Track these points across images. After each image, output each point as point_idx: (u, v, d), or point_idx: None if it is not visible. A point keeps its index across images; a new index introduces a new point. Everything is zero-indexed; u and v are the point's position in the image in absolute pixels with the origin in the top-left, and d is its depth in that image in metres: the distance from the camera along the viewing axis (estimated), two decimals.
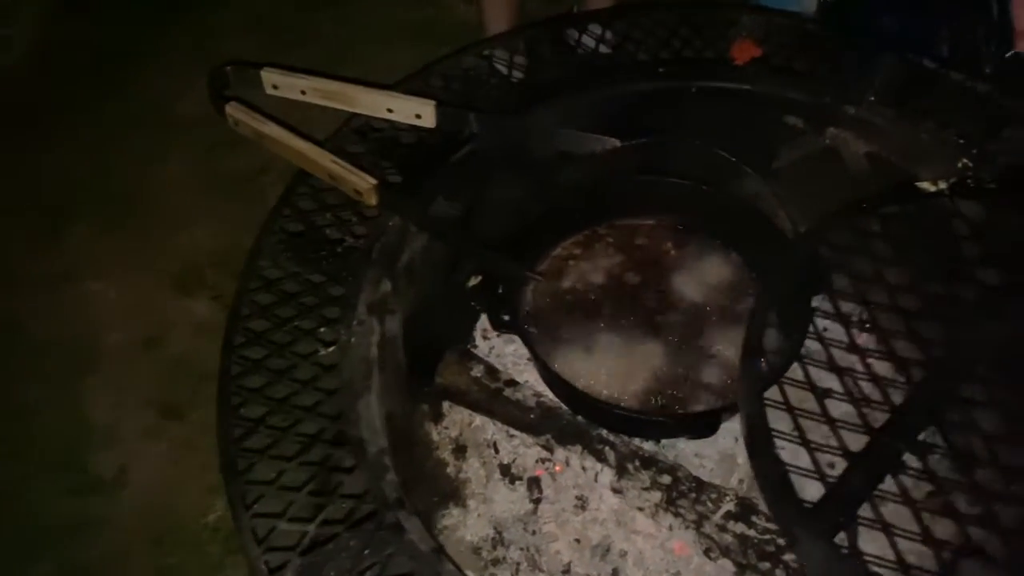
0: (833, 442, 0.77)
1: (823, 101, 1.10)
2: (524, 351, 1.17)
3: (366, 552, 0.74)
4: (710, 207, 1.14)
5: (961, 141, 1.02)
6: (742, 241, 1.15)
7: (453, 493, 1.13)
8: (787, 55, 1.13)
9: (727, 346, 1.07)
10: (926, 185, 0.92)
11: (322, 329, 0.89)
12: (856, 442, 0.77)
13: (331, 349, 0.87)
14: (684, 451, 1.09)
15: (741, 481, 1.07)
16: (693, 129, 1.10)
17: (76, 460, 1.43)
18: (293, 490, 0.77)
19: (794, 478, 0.73)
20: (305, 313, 0.90)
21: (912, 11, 1.76)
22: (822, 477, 0.74)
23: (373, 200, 0.96)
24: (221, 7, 2.27)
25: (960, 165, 1.01)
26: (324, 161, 0.98)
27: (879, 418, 0.78)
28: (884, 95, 1.07)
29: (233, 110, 1.03)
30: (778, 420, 0.78)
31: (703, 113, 1.14)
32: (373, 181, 0.96)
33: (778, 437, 0.76)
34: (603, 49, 1.17)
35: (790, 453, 0.76)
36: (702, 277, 1.15)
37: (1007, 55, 1.70)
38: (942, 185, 0.92)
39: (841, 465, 0.76)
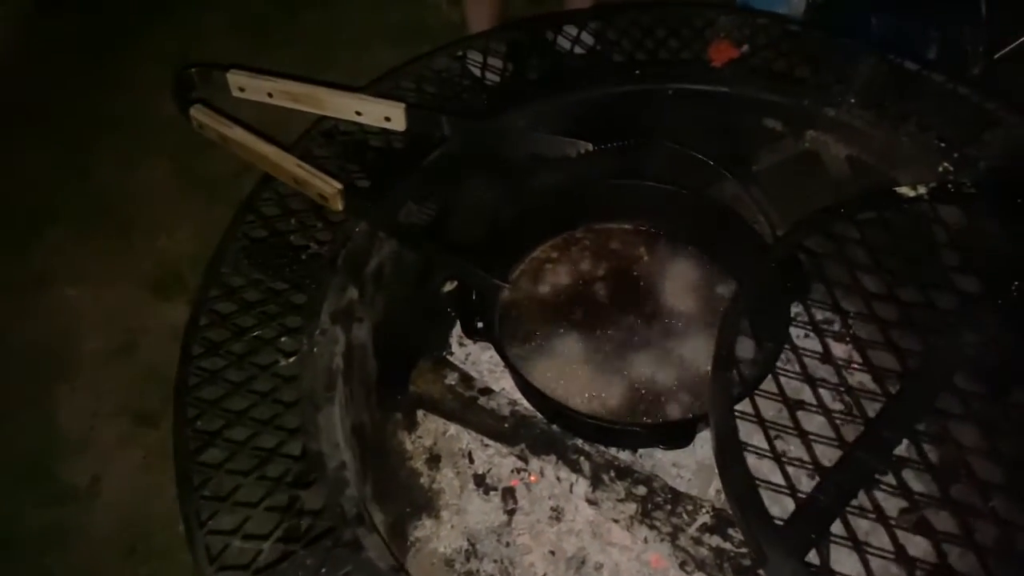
0: (805, 456, 0.74)
1: (803, 103, 1.07)
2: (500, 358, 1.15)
3: (323, 571, 0.72)
4: (688, 211, 1.12)
5: (942, 144, 0.99)
6: (720, 246, 1.12)
7: (426, 504, 1.11)
8: (766, 56, 1.11)
9: (704, 354, 1.05)
10: (905, 190, 0.90)
11: (283, 339, 0.86)
12: (830, 456, 0.75)
13: (292, 360, 0.85)
14: (662, 461, 1.07)
15: (719, 492, 1.04)
16: (670, 132, 1.07)
17: (49, 469, 1.41)
18: (249, 506, 0.75)
19: (765, 493, 0.71)
20: (266, 322, 0.87)
21: (901, 13, 1.75)
22: (793, 492, 0.72)
23: (339, 205, 0.94)
24: (206, 8, 2.24)
25: (941, 169, 0.98)
26: (289, 165, 0.96)
27: (853, 431, 0.76)
28: (865, 97, 1.05)
29: (197, 113, 1.01)
30: (750, 433, 0.76)
31: (680, 116, 1.11)
32: (338, 186, 0.93)
33: (749, 451, 0.74)
34: (578, 50, 1.14)
35: (761, 467, 0.74)
36: (680, 283, 1.13)
37: (995, 57, 1.69)
38: (922, 190, 0.90)
39: (813, 480, 0.73)
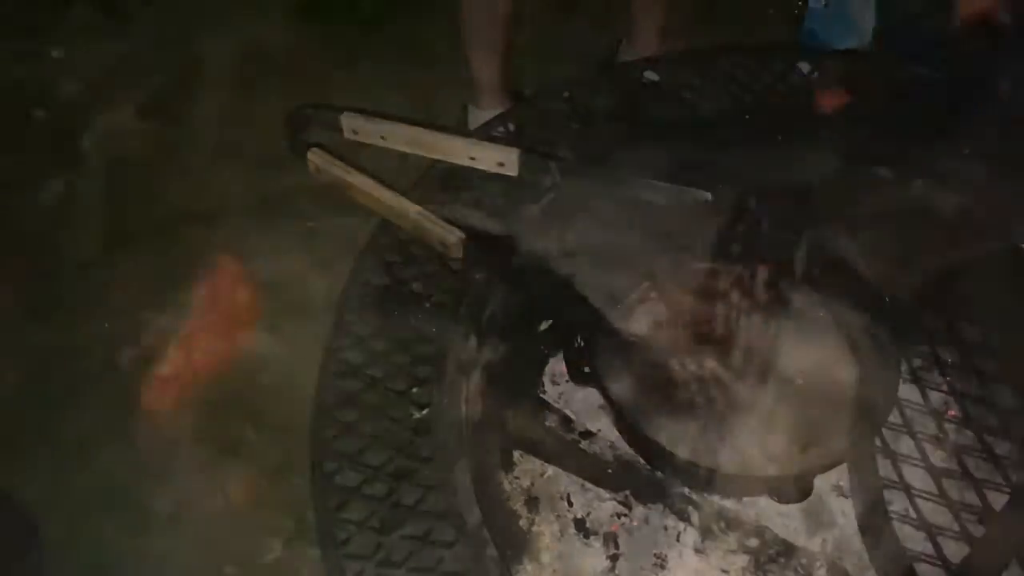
0: (954, 524, 0.74)
1: (913, 152, 1.07)
2: (594, 398, 1.15)
3: None
4: (792, 255, 1.11)
5: None
6: (827, 291, 1.11)
7: (526, 547, 1.10)
8: (875, 103, 1.10)
9: (813, 402, 1.04)
10: None
11: (414, 390, 0.86)
12: (975, 525, 0.74)
13: (424, 412, 0.85)
14: (766, 509, 1.06)
15: (825, 541, 1.04)
16: (776, 178, 1.07)
17: (133, 497, 1.41)
18: (394, 566, 0.75)
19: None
20: (396, 373, 0.87)
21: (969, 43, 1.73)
22: (946, 565, 0.71)
23: (460, 253, 0.94)
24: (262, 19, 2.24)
25: None
26: (409, 212, 0.96)
27: (999, 499, 0.76)
28: (978, 148, 1.04)
29: (316, 157, 1.01)
30: (893, 498, 0.75)
31: (785, 161, 1.11)
32: (460, 234, 0.94)
33: (896, 519, 0.74)
34: (685, 95, 1.14)
35: (907, 534, 0.74)
36: (785, 327, 1.12)
37: None
38: None
39: (961, 550, 0.73)
